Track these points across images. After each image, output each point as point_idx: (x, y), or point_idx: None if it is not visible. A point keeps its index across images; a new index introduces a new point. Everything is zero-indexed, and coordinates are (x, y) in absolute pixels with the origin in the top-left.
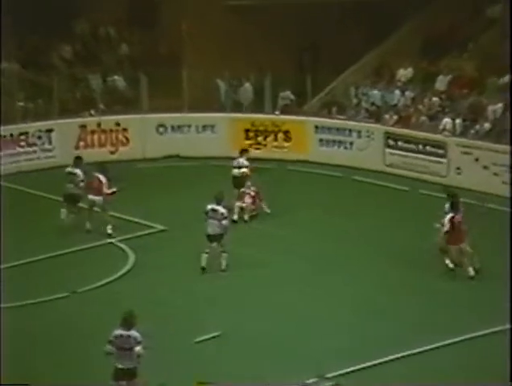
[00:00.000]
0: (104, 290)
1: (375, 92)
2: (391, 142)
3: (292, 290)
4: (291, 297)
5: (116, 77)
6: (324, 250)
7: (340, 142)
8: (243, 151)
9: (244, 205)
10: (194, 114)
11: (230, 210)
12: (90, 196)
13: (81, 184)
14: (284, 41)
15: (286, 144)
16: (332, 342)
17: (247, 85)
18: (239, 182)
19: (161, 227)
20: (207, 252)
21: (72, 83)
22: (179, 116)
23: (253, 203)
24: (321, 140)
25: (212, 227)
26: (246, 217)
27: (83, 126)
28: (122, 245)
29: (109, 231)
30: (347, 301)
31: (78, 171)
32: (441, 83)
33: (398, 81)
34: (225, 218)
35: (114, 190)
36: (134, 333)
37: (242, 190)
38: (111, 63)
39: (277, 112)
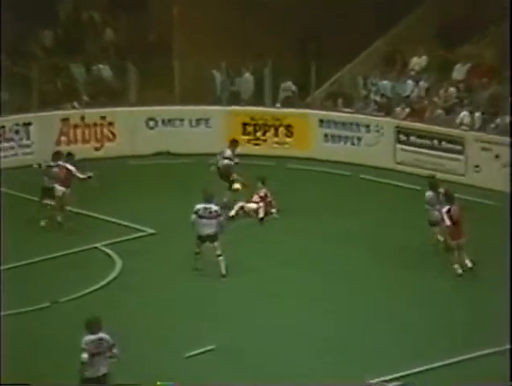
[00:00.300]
0: (87, 300)
1: (385, 82)
2: (403, 137)
3: (294, 299)
4: (291, 307)
5: (101, 66)
6: (329, 256)
7: (346, 138)
8: (232, 142)
9: (249, 205)
10: (187, 107)
11: (223, 207)
12: (58, 187)
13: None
14: (285, 26)
15: (287, 139)
16: (337, 358)
17: (247, 75)
18: (222, 173)
19: (150, 231)
20: (198, 253)
21: (53, 72)
22: (170, 109)
23: (265, 205)
24: (326, 135)
25: (205, 227)
26: (261, 214)
27: (65, 120)
28: (108, 250)
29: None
30: (355, 313)
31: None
32: (459, 72)
33: (411, 70)
34: (219, 215)
35: (90, 174)
36: (104, 335)
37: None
38: (95, 51)
39: (278, 105)
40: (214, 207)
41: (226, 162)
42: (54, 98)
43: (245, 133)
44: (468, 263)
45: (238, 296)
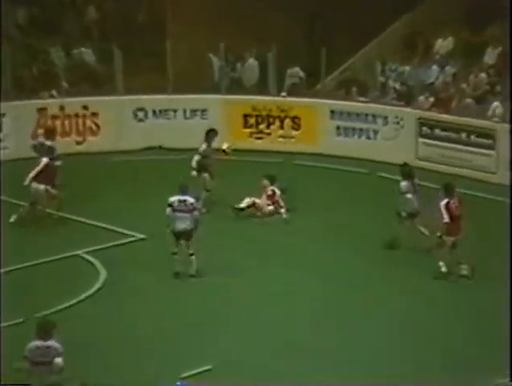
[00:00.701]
0: (66, 315)
1: (406, 68)
2: (426, 130)
3: (297, 307)
4: (292, 316)
5: (83, 49)
6: (342, 264)
7: (361, 131)
8: (208, 133)
9: (258, 202)
10: (181, 96)
11: (199, 200)
12: (34, 185)
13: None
14: (292, 5)
15: (294, 133)
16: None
17: (251, 61)
18: (199, 166)
19: (140, 236)
20: (175, 253)
21: (29, 55)
22: (162, 98)
23: (272, 203)
24: (338, 128)
25: (181, 222)
26: (259, 213)
27: (42, 110)
28: (91, 258)
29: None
30: (357, 327)
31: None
32: (490, 56)
33: (435, 54)
34: (195, 209)
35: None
36: (53, 343)
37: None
38: (77, 32)
39: (283, 94)
40: (190, 200)
41: (198, 158)
42: (29, 85)
43: (246, 125)
44: (464, 270)
45: (237, 309)
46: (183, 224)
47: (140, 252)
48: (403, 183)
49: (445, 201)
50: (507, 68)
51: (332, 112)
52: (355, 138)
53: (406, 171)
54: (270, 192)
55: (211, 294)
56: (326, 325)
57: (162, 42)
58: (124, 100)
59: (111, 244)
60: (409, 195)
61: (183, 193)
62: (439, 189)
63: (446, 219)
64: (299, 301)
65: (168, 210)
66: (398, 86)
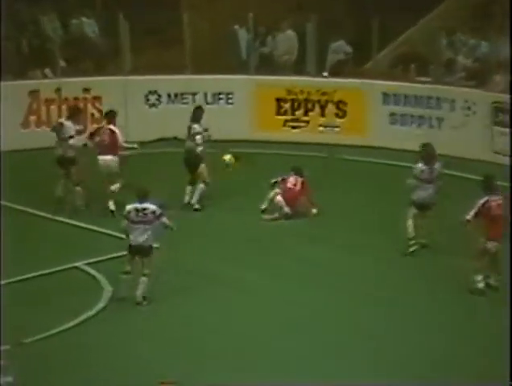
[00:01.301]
0: (63, 340)
1: (479, 41)
2: (503, 117)
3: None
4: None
5: (84, 19)
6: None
7: (421, 118)
8: (196, 110)
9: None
10: (201, 76)
11: (164, 207)
12: (101, 157)
13: (71, 141)
14: None
15: (338, 120)
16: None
17: (289, 33)
18: (189, 158)
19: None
20: (128, 273)
21: (18, 28)
22: (178, 78)
23: (292, 197)
24: (393, 114)
25: (138, 235)
26: (267, 217)
27: (34, 92)
28: (93, 271)
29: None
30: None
31: (68, 123)
32: None
33: None
34: (159, 217)
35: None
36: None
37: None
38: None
39: (325, 74)
40: (151, 207)
41: (190, 144)
42: (19, 63)
43: (279, 112)
44: (494, 281)
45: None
46: (139, 238)
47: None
48: (419, 165)
49: (484, 199)
50: None
51: (386, 95)
52: (413, 127)
53: (428, 153)
54: (293, 180)
55: (225, 310)
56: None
57: (178, 11)
58: (133, 81)
59: (117, 254)
60: (416, 182)
61: (142, 200)
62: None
63: (469, 216)
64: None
65: (124, 222)
66: (468, 63)
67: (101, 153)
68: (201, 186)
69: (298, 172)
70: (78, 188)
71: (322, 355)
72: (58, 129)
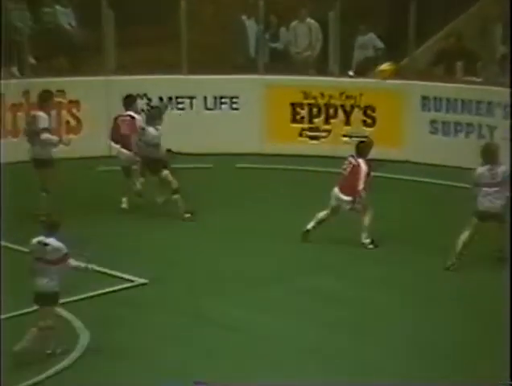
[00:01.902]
0: None
1: None
2: None
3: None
4: None
5: (58, 8)
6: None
7: (469, 126)
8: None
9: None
10: (200, 76)
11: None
12: (124, 151)
13: (44, 136)
14: None
15: (366, 129)
16: None
17: (310, 22)
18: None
19: (139, 280)
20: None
21: None
22: (173, 79)
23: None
24: (433, 122)
25: (40, 279)
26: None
27: None
28: (68, 314)
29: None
30: None
31: (41, 114)
32: None
33: None
34: (64, 259)
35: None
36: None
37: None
38: None
39: (351, 73)
40: (55, 244)
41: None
42: None
43: (295, 119)
44: None
45: None
46: (41, 282)
47: (139, 301)
48: (479, 170)
49: None
50: None
51: (425, 98)
52: (459, 138)
53: (489, 151)
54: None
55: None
56: None
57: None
58: (116, 82)
59: (97, 292)
60: (478, 189)
61: (50, 233)
62: None
63: None
64: None
65: (30, 259)
66: None
67: (123, 147)
68: (175, 196)
69: None
70: (43, 194)
71: None
72: (31, 122)
